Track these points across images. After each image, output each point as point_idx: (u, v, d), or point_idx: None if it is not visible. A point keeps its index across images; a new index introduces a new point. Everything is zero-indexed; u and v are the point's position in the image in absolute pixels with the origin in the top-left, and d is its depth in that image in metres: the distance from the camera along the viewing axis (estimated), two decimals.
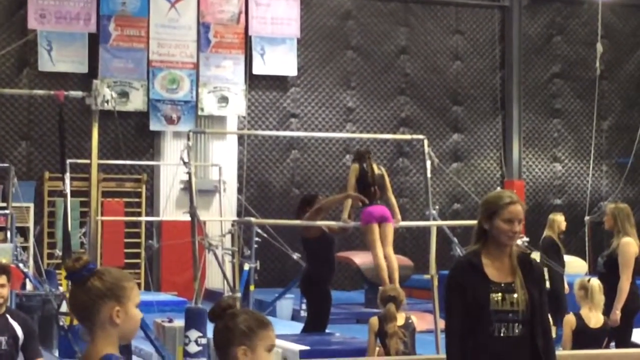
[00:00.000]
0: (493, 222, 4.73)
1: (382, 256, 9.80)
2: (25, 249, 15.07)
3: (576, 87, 20.78)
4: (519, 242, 9.45)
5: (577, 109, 20.80)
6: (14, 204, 14.15)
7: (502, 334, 4.64)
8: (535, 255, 10.38)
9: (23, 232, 15.77)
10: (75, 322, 8.60)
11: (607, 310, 8.19)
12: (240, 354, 3.40)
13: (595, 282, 8.03)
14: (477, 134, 20.26)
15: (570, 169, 20.77)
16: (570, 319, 7.91)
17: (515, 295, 4.69)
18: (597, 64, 17.18)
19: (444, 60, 20.11)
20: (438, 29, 20.08)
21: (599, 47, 17.26)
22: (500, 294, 4.68)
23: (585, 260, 16.33)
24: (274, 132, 18.56)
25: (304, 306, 13.51)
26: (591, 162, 18.30)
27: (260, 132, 18.49)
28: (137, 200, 17.28)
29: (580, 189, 20.49)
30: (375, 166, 10.14)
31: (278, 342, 8.97)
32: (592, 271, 15.01)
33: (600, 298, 7.94)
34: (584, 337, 7.80)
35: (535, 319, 4.71)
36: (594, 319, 7.91)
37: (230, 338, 3.42)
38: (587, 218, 16.24)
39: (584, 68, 20.47)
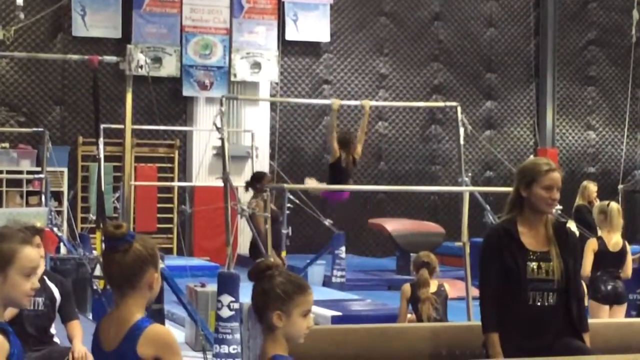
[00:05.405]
0: (532, 189, 4.70)
1: None
2: (59, 213, 15.22)
3: (611, 54, 20.55)
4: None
5: (612, 76, 20.59)
6: (49, 169, 14.27)
7: (537, 303, 4.63)
8: (570, 224, 10.32)
9: (57, 196, 15.89)
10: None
11: None
12: (275, 318, 3.38)
13: (614, 205, 8.39)
14: (510, 102, 20.13)
15: (604, 137, 20.60)
16: (592, 241, 8.30)
17: (551, 264, 4.67)
18: (633, 31, 17.00)
19: (478, 26, 19.95)
20: None
21: (635, 14, 17.06)
22: (536, 263, 4.67)
23: None
24: (307, 100, 18.47)
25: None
26: (625, 130, 18.14)
27: (292, 99, 18.42)
28: (169, 165, 17.35)
29: (614, 157, 20.32)
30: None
31: None
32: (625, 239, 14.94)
33: (619, 221, 8.31)
34: (604, 259, 8.22)
35: (570, 288, 4.70)
36: (614, 240, 8.29)
37: (266, 301, 3.40)
38: (620, 186, 16.15)
39: (619, 35, 20.23)
